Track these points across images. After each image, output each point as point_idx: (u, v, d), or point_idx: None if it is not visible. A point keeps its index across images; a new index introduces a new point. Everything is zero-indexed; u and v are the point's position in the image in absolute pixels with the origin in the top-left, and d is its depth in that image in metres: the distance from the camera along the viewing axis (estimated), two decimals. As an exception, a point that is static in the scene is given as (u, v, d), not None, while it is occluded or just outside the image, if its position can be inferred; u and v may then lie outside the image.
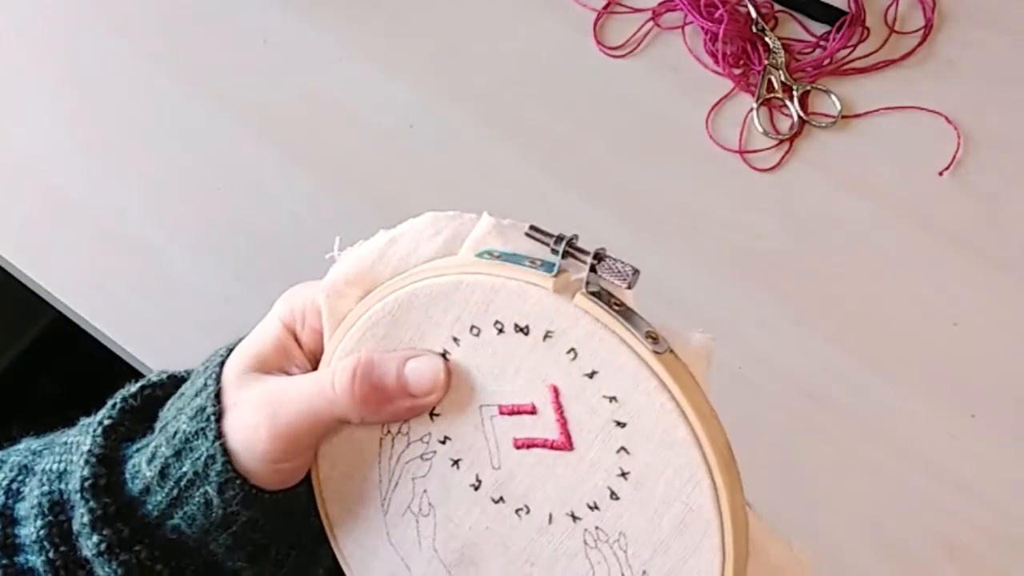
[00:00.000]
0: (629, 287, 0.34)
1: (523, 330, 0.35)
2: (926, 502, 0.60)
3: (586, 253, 0.34)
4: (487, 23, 0.77)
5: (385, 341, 0.37)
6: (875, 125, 0.72)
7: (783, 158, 0.71)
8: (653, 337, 0.33)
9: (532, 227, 0.36)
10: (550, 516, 0.36)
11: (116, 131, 0.73)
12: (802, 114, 0.72)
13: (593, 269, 0.34)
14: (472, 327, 0.35)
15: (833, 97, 0.72)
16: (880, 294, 0.66)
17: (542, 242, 0.35)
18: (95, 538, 0.38)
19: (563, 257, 0.35)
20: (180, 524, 0.39)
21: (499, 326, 0.35)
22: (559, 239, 0.35)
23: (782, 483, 0.60)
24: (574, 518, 0.36)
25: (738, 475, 0.34)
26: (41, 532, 0.40)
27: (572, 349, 0.34)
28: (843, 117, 0.72)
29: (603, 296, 0.34)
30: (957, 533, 0.59)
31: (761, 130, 0.71)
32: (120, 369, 0.67)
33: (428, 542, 0.38)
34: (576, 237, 0.35)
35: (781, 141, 0.71)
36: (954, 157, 0.70)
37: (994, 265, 0.66)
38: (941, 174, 0.70)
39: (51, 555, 0.40)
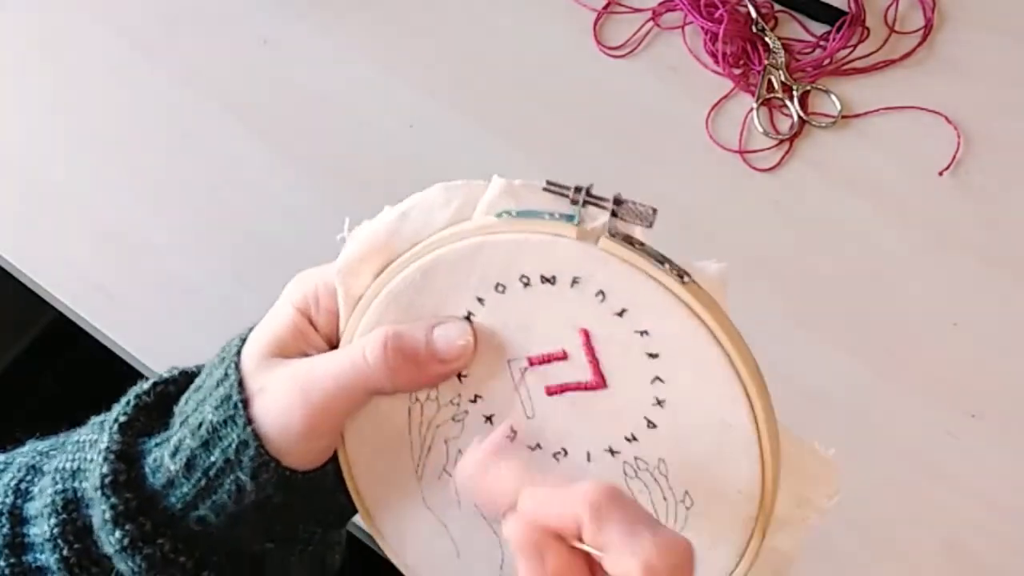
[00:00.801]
0: (650, 225, 0.36)
1: (550, 280, 0.35)
2: (926, 502, 0.60)
3: (605, 199, 0.35)
4: (487, 23, 0.77)
5: (409, 311, 0.37)
6: (875, 125, 0.72)
7: (783, 158, 0.71)
8: (677, 270, 0.35)
9: (548, 182, 0.37)
10: (588, 455, 0.37)
11: (116, 131, 0.73)
12: (802, 114, 0.72)
13: (614, 214, 0.35)
14: (497, 285, 0.36)
15: (833, 97, 0.72)
16: (880, 294, 0.66)
17: (560, 194, 0.36)
18: (118, 533, 0.39)
19: (582, 206, 0.35)
20: (206, 514, 0.39)
21: (525, 280, 0.36)
22: (577, 189, 0.36)
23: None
24: (612, 452, 0.37)
25: (767, 389, 0.36)
26: (55, 530, 0.40)
27: (600, 291, 0.35)
28: (843, 117, 0.72)
29: (625, 238, 0.35)
30: (957, 533, 0.59)
31: (761, 130, 0.71)
32: (120, 369, 0.67)
33: (468, 499, 0.39)
34: (592, 186, 0.36)
35: (781, 141, 0.71)
36: (954, 157, 0.70)
37: (994, 265, 0.66)
38: (941, 174, 0.70)
39: (65, 552, 0.40)
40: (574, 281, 0.35)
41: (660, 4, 0.76)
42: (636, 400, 0.36)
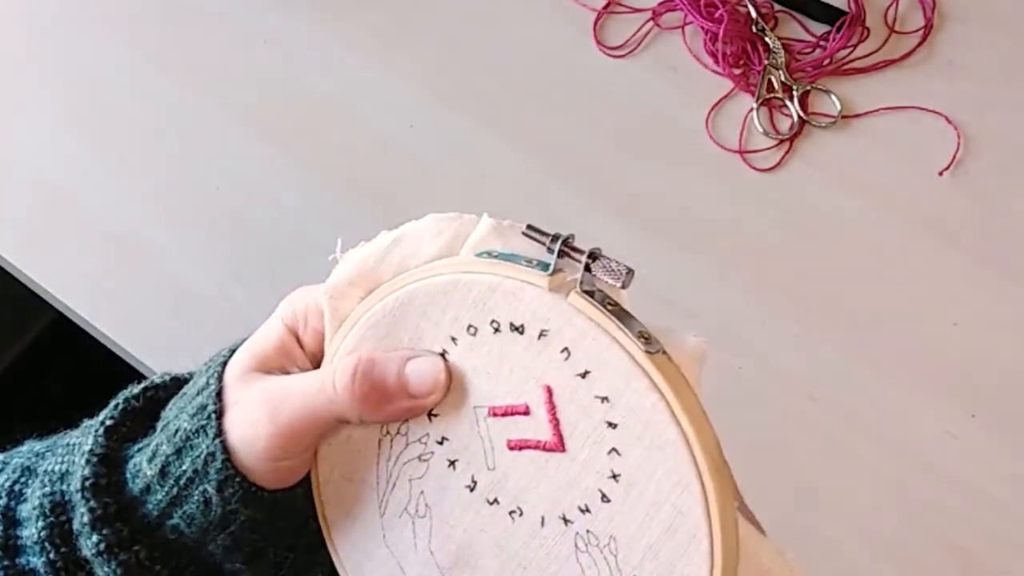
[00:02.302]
0: (623, 287, 0.34)
1: (518, 329, 0.35)
2: (926, 502, 0.60)
3: (581, 252, 0.34)
4: (487, 23, 0.77)
5: (386, 341, 0.37)
6: (875, 125, 0.72)
7: (783, 158, 0.71)
8: (645, 337, 0.33)
9: (529, 226, 0.36)
10: (542, 519, 0.36)
11: (116, 131, 0.73)
12: (802, 114, 0.72)
13: (588, 268, 0.34)
14: (469, 326, 0.35)
15: (833, 97, 0.72)
16: (880, 294, 0.66)
17: (538, 241, 0.35)
18: (95, 538, 0.38)
19: (559, 256, 0.35)
20: (179, 524, 0.39)
21: (495, 325, 0.35)
22: (555, 238, 0.35)
23: (782, 483, 0.60)
24: (566, 521, 0.36)
25: (730, 478, 0.34)
26: (42, 533, 0.40)
27: (565, 348, 0.34)
28: (843, 117, 0.72)
29: (597, 295, 0.34)
30: (957, 533, 0.59)
31: (761, 130, 0.71)
32: (120, 369, 0.67)
33: (424, 544, 0.38)
34: (572, 237, 0.35)
35: (781, 141, 0.71)
36: (954, 157, 0.70)
37: (994, 265, 0.66)
38: (941, 174, 0.70)
39: (52, 556, 0.40)
40: (541, 333, 0.34)
41: (660, 4, 0.76)
42: (592, 469, 0.35)
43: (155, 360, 0.65)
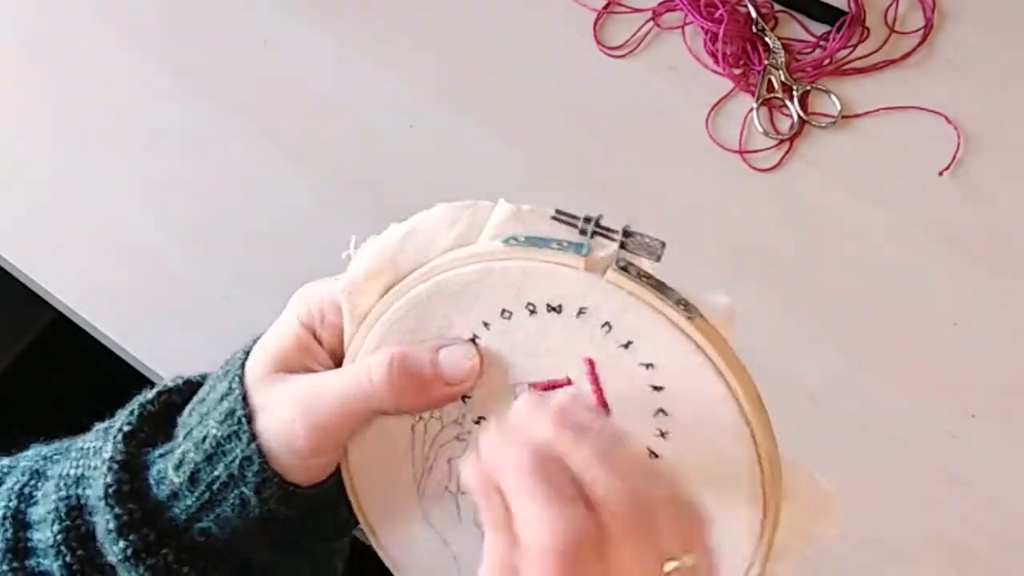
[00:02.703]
0: (658, 259, 0.36)
1: (556, 309, 0.36)
2: (926, 502, 0.60)
3: (614, 231, 0.36)
4: (487, 23, 0.77)
5: (414, 332, 0.37)
6: (875, 125, 0.72)
7: (783, 158, 0.71)
8: (684, 304, 0.35)
9: (558, 211, 0.37)
10: None
11: (116, 131, 0.73)
12: (802, 114, 0.72)
13: (622, 245, 0.35)
14: (503, 311, 0.36)
15: (833, 97, 0.72)
16: (880, 294, 0.66)
17: (569, 224, 0.36)
18: (121, 544, 0.39)
19: (591, 237, 0.36)
20: (210, 527, 0.39)
21: (531, 307, 0.36)
22: (587, 220, 0.36)
23: (782, 483, 0.60)
24: None
25: (770, 425, 0.36)
26: (58, 537, 0.40)
27: (606, 323, 0.35)
28: (843, 117, 0.72)
29: (632, 270, 0.35)
30: (957, 533, 0.59)
31: (761, 130, 0.71)
32: (120, 369, 0.67)
33: (469, 516, 0.39)
34: (602, 216, 0.36)
35: (781, 141, 0.71)
36: (954, 157, 0.70)
37: (994, 265, 0.66)
38: (941, 174, 0.70)
39: (68, 559, 0.40)
40: (580, 311, 0.35)
41: (660, 4, 0.76)
42: (639, 430, 0.36)
43: (155, 360, 0.65)
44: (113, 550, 0.39)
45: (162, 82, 0.75)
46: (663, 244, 0.35)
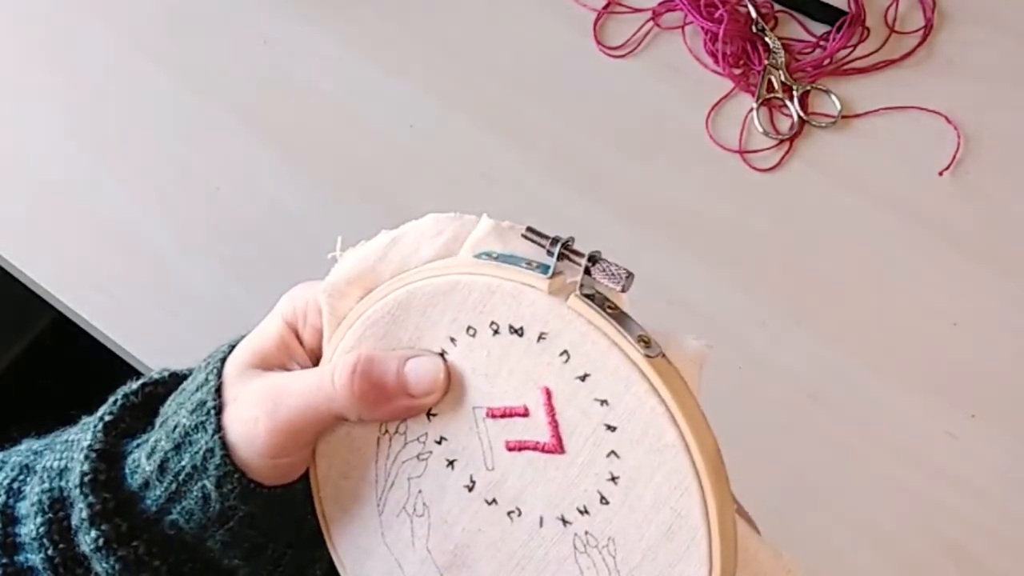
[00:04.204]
0: (623, 290, 0.34)
1: (518, 331, 0.35)
2: (926, 502, 0.60)
3: (581, 255, 0.34)
4: (487, 23, 0.77)
5: (384, 340, 0.37)
6: (875, 125, 0.72)
7: (783, 158, 0.71)
8: (645, 341, 0.33)
9: (529, 228, 0.36)
10: (541, 519, 0.36)
11: (116, 131, 0.73)
12: (802, 114, 0.72)
13: (588, 272, 0.34)
14: (468, 327, 0.35)
15: (833, 97, 0.72)
16: (880, 294, 0.66)
17: (538, 243, 0.35)
18: (93, 533, 0.38)
19: (558, 259, 0.35)
20: (178, 519, 0.39)
21: (495, 327, 0.35)
22: (555, 241, 0.35)
23: (782, 483, 0.60)
24: (564, 522, 0.36)
25: (727, 482, 0.34)
26: (41, 529, 0.40)
27: (565, 351, 0.34)
28: (843, 117, 0.72)
29: (597, 299, 0.34)
30: (957, 533, 0.59)
31: (761, 130, 0.71)
32: (120, 369, 0.67)
33: (422, 542, 0.38)
34: (572, 240, 0.35)
35: (781, 141, 0.71)
36: (954, 157, 0.70)
37: (994, 265, 0.66)
38: (941, 174, 0.70)
39: (50, 552, 0.40)
40: (541, 336, 0.34)
41: (660, 4, 0.76)
42: (591, 472, 0.35)
43: (155, 360, 0.65)
44: (85, 539, 0.39)
45: (162, 82, 0.75)
46: (630, 275, 0.34)
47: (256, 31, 0.77)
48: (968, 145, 0.70)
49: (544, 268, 0.35)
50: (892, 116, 0.72)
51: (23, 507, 0.41)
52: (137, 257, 0.69)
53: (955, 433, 0.61)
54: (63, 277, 0.68)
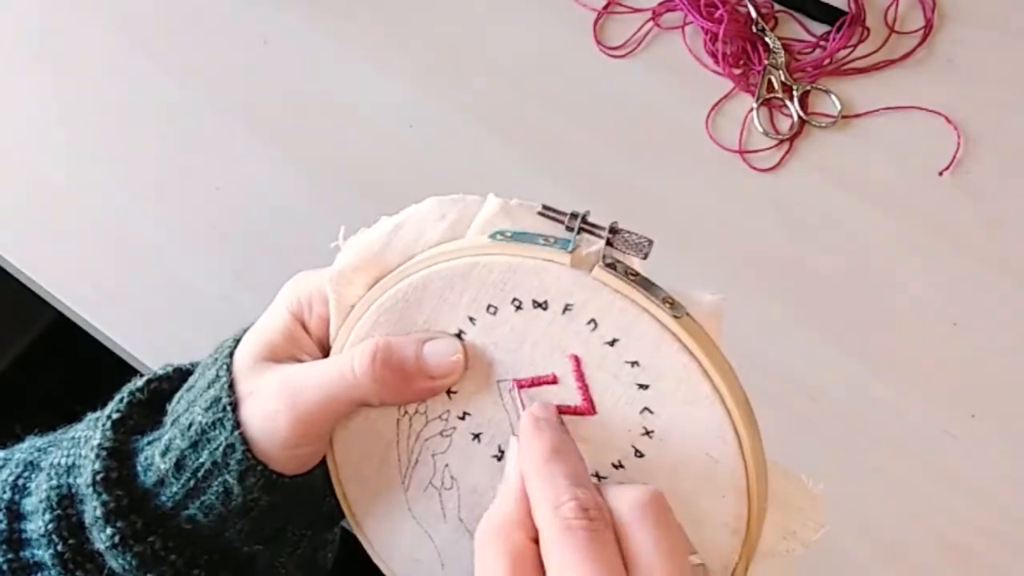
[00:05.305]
0: (644, 257, 0.35)
1: (541, 305, 0.35)
2: (926, 502, 0.60)
3: (600, 228, 0.36)
4: (487, 23, 0.77)
5: (399, 325, 0.37)
6: (875, 125, 0.72)
7: (783, 158, 0.71)
8: (670, 302, 0.35)
9: (544, 206, 0.37)
10: None
11: (116, 131, 0.73)
12: (802, 114, 0.72)
13: (609, 243, 0.35)
14: (489, 306, 0.36)
15: (833, 97, 0.72)
16: (880, 294, 0.66)
17: (556, 220, 0.36)
18: (108, 530, 0.39)
19: (577, 233, 0.36)
20: (196, 514, 0.39)
21: (517, 303, 0.36)
22: (573, 216, 0.36)
23: (782, 483, 0.60)
24: (599, 477, 0.37)
25: (756, 425, 0.36)
26: (50, 526, 0.40)
27: (592, 320, 0.35)
28: (843, 117, 0.72)
29: (619, 267, 0.35)
30: (957, 533, 0.59)
31: (761, 130, 0.71)
32: (120, 368, 0.67)
33: (453, 514, 0.39)
34: (588, 212, 0.36)
35: (781, 141, 0.71)
36: (954, 157, 0.70)
37: (994, 265, 0.66)
38: (941, 174, 0.70)
39: (59, 548, 0.40)
40: (566, 308, 0.35)
41: (660, 4, 0.76)
42: (625, 428, 0.36)
43: (155, 360, 0.65)
44: (100, 537, 0.39)
45: (162, 82, 0.75)
46: (650, 241, 0.35)
47: (256, 31, 0.77)
48: (968, 145, 0.70)
49: (563, 243, 0.35)
50: (892, 116, 0.72)
51: (29, 503, 0.41)
52: (137, 257, 0.69)
53: (955, 433, 0.61)
54: (63, 277, 0.68)
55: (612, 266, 0.35)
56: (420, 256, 0.37)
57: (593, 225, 0.36)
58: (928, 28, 0.75)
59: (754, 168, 0.71)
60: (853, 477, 0.61)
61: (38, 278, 0.68)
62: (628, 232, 0.35)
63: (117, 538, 0.39)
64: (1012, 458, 0.61)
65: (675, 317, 0.34)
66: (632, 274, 0.35)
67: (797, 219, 0.69)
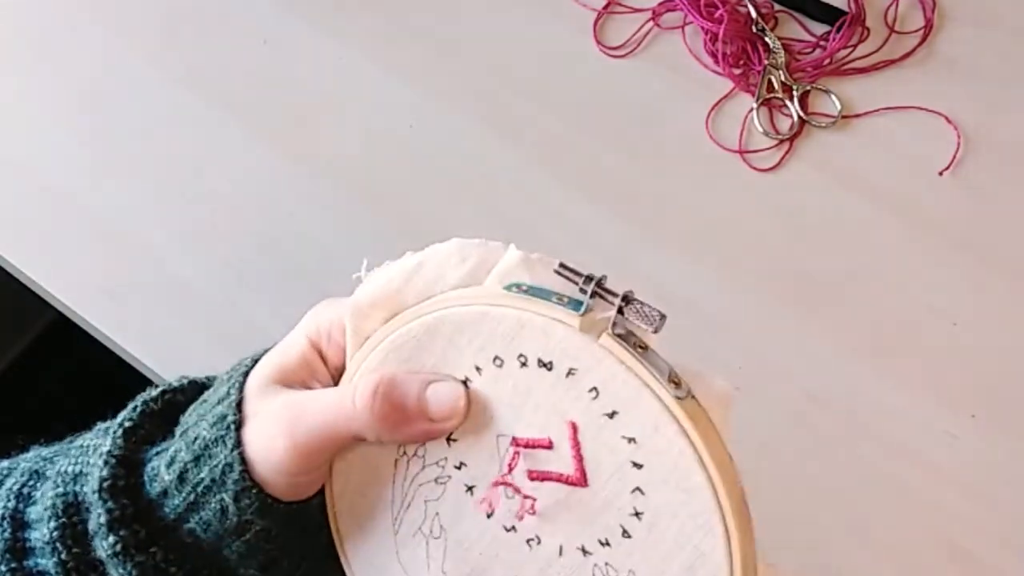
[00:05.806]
0: (655, 331, 0.34)
1: (546, 365, 0.35)
2: (926, 502, 0.60)
3: (614, 295, 0.35)
4: (487, 23, 0.77)
5: (408, 364, 0.37)
6: (875, 125, 0.72)
7: (783, 158, 0.71)
8: (675, 382, 0.34)
9: (562, 264, 0.36)
10: (560, 548, 0.36)
11: (117, 131, 0.73)
12: (802, 114, 0.72)
13: (620, 311, 0.34)
14: (495, 358, 0.36)
15: (833, 97, 0.72)
16: (880, 294, 0.66)
17: (571, 280, 0.35)
18: (111, 539, 0.38)
19: (591, 297, 0.35)
20: (196, 529, 0.39)
21: (522, 359, 0.35)
22: (588, 279, 0.35)
23: (782, 483, 0.60)
24: (584, 552, 0.36)
25: (751, 524, 0.34)
26: (55, 534, 0.40)
27: (594, 388, 0.34)
28: (843, 117, 0.72)
29: (628, 338, 0.34)
30: (957, 533, 0.59)
31: (761, 130, 0.71)
32: (120, 369, 0.67)
33: (437, 564, 0.38)
34: (605, 277, 0.35)
35: (781, 141, 0.71)
36: (954, 157, 0.70)
37: (994, 265, 0.66)
38: (941, 174, 0.70)
39: (64, 556, 0.40)
40: (570, 372, 0.34)
41: (660, 4, 0.76)
42: (614, 506, 0.35)
43: (155, 360, 0.65)
44: (103, 545, 0.39)
45: (162, 82, 0.75)
46: (663, 316, 0.34)
47: (256, 31, 0.77)
48: (968, 145, 0.70)
49: (575, 304, 0.35)
50: (892, 116, 0.72)
51: (34, 512, 0.41)
52: (137, 257, 0.69)
53: (955, 433, 0.61)
54: (63, 277, 0.68)
55: (622, 336, 0.34)
56: (437, 297, 0.37)
57: (607, 290, 0.35)
58: (928, 28, 0.75)
59: (754, 168, 0.71)
60: (853, 477, 0.61)
61: (38, 278, 0.68)
62: (641, 303, 0.34)
63: (119, 547, 0.38)
64: (1012, 458, 0.61)
65: (678, 398, 0.33)
66: (641, 346, 0.34)
67: (797, 219, 0.69)
